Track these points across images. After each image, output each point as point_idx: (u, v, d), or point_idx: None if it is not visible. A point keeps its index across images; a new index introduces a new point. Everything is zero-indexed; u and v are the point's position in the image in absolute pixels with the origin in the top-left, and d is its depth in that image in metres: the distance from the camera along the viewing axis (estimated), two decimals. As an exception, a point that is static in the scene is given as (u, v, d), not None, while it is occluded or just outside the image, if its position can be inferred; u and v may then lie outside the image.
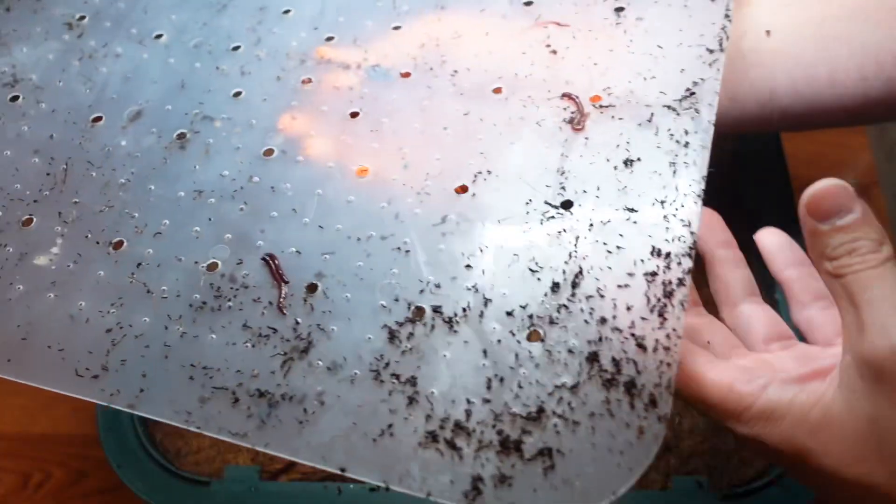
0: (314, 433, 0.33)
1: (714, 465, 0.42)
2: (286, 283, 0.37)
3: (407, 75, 0.43)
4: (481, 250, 0.37)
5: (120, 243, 0.39)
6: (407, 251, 0.38)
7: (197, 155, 0.42)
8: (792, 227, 0.53)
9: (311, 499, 0.44)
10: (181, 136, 0.43)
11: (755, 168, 0.58)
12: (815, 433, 0.31)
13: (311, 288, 0.37)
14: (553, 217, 0.38)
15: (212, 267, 0.38)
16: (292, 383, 0.35)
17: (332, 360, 0.35)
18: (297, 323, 0.36)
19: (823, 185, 0.31)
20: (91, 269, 0.39)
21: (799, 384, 0.32)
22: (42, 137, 0.43)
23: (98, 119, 0.44)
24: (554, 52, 0.43)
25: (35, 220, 0.41)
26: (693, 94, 0.40)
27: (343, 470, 0.32)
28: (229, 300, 0.37)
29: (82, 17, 0.49)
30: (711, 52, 0.42)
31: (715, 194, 0.57)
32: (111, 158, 0.42)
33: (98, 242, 0.40)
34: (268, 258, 0.38)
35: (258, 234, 0.39)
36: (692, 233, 0.36)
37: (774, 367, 0.35)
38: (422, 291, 0.36)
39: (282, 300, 0.37)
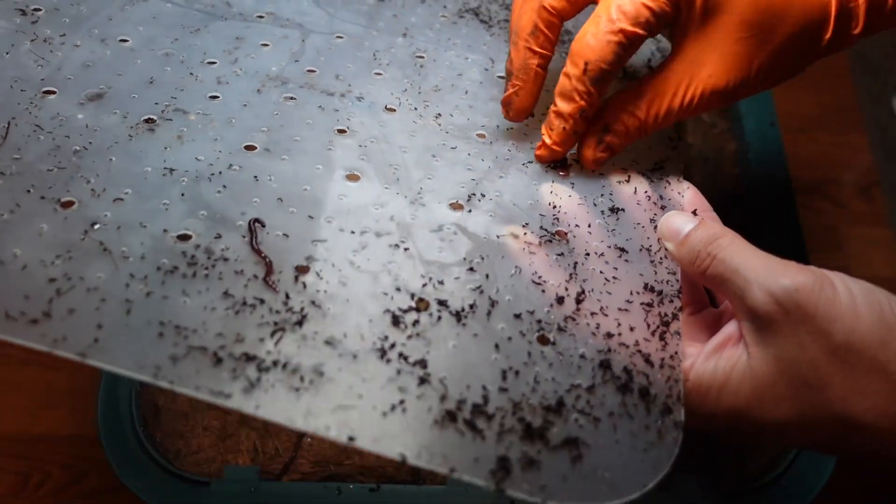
0: (314, 402, 0.29)
1: (714, 465, 0.40)
2: (265, 258, 0.33)
3: (392, 110, 0.43)
4: (482, 258, 0.36)
5: (70, 203, 0.34)
6: (406, 248, 0.35)
7: (168, 139, 0.38)
8: (792, 226, 0.56)
9: (311, 499, 0.43)
10: (150, 121, 0.39)
11: (755, 168, 0.60)
12: (738, 392, 0.33)
13: (302, 269, 0.34)
14: (550, 241, 0.37)
15: (184, 237, 0.34)
16: (285, 351, 0.30)
17: (329, 334, 0.31)
18: (288, 297, 0.32)
19: (666, 216, 0.39)
20: (32, 222, 0.33)
21: (716, 354, 0.34)
22: None
23: (51, 92, 0.40)
24: (532, 114, 0.45)
25: None
26: (662, 167, 0.43)
27: (352, 439, 0.28)
28: (206, 269, 0.33)
29: (38, 9, 0.45)
30: (672, 139, 0.46)
31: (715, 194, 0.59)
32: (64, 126, 0.38)
33: (43, 198, 0.34)
34: (253, 224, 0.34)
35: (238, 216, 0.35)
36: (678, 280, 0.37)
37: (697, 344, 0.36)
38: (424, 286, 0.34)
39: (269, 276, 0.33)
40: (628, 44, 0.38)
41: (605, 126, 0.40)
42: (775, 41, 0.39)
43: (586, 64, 0.38)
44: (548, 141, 0.41)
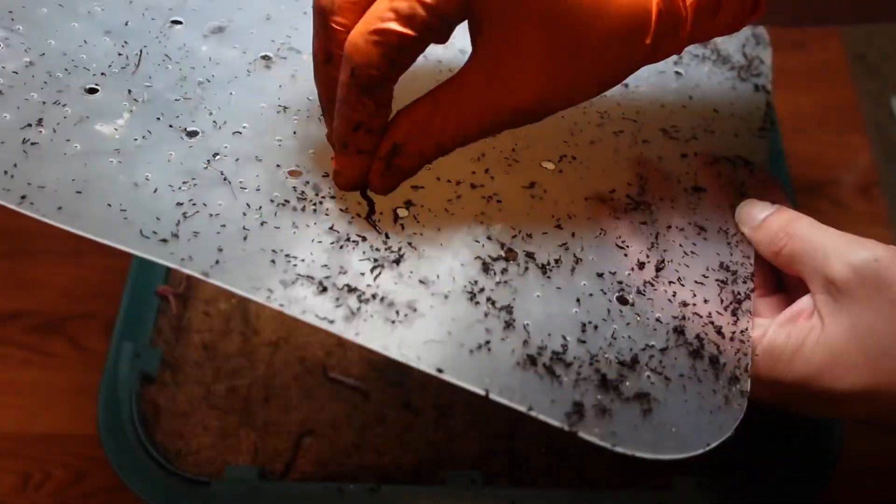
0: (407, 334, 0.31)
1: (714, 466, 0.41)
2: (368, 198, 0.36)
3: None
4: (570, 216, 0.38)
5: (195, 132, 0.37)
6: (498, 200, 0.38)
7: (283, 77, 0.41)
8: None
9: (311, 499, 0.42)
10: (266, 58, 0.42)
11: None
12: (811, 359, 0.33)
13: (402, 212, 0.36)
14: (636, 209, 0.39)
15: (294, 173, 0.36)
16: (383, 286, 0.33)
17: (424, 274, 0.34)
18: (388, 237, 0.35)
19: (745, 202, 0.40)
20: (162, 148, 0.36)
21: (790, 324, 0.35)
22: (116, 22, 0.41)
23: (178, 22, 0.42)
24: (625, 84, 0.46)
25: (101, 91, 0.38)
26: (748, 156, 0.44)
27: (440, 371, 0.30)
28: (314, 204, 0.35)
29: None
30: (761, 129, 0.46)
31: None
32: (190, 57, 0.40)
33: (171, 126, 0.37)
34: None
35: None
36: (752, 263, 0.38)
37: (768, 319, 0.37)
38: (514, 237, 0.36)
39: (371, 217, 0.35)
40: (398, 47, 0.31)
41: (396, 146, 0.34)
42: (588, 48, 0.33)
43: (353, 70, 0.31)
44: (335, 167, 0.35)
